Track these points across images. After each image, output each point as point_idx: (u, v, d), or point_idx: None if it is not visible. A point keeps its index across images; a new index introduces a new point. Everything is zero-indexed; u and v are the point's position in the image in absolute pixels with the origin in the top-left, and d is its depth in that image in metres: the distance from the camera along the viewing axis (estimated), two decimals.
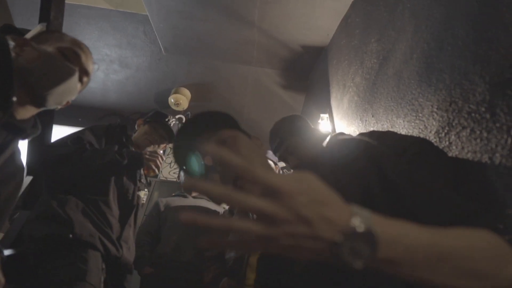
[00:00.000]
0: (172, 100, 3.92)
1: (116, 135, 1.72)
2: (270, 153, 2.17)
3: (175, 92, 3.95)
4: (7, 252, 1.26)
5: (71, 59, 1.01)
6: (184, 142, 0.80)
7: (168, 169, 3.58)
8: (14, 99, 0.82)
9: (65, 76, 0.97)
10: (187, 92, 4.01)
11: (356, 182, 0.64)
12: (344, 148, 0.75)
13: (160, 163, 1.64)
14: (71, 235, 1.30)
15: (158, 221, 2.41)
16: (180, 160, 0.83)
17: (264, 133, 4.83)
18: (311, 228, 0.35)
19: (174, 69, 4.00)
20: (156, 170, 1.63)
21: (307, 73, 3.81)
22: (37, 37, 1.02)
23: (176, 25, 3.30)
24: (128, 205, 1.63)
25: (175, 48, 3.68)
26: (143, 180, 1.82)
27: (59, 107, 1.06)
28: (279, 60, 3.66)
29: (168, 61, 3.90)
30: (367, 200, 0.61)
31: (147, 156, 1.60)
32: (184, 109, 4.06)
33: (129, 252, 1.57)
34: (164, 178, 3.55)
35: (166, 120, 1.94)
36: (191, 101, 4.13)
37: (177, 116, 4.19)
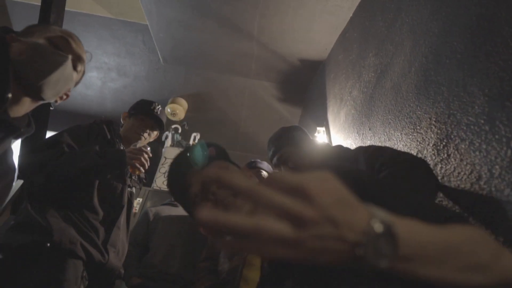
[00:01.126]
0: (169, 110, 3.91)
1: (101, 132, 1.61)
2: (265, 165, 2.16)
3: (172, 102, 3.94)
4: None
5: (62, 47, 0.99)
6: (178, 173, 0.84)
7: (162, 179, 3.54)
8: (9, 95, 0.80)
9: (57, 63, 0.96)
10: (184, 102, 4.01)
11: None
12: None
13: (146, 159, 1.49)
14: (48, 244, 1.24)
15: (147, 231, 2.36)
16: (175, 192, 0.87)
17: (260, 145, 4.85)
18: (337, 229, 0.33)
19: (172, 79, 4.01)
20: (142, 169, 1.48)
21: (304, 86, 3.84)
22: (24, 32, 1.00)
23: (175, 35, 3.32)
24: (116, 206, 1.54)
25: (174, 58, 3.70)
26: (134, 177, 1.71)
27: (58, 100, 1.03)
28: (277, 73, 3.69)
29: (166, 71, 3.91)
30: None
31: (130, 155, 1.45)
32: (181, 119, 4.05)
33: (117, 257, 1.49)
34: (157, 188, 3.50)
35: (152, 108, 1.79)
36: (187, 111, 4.12)
37: (173, 126, 4.18)
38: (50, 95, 0.98)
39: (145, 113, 1.78)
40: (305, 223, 0.32)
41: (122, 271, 1.53)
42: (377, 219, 0.35)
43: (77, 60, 1.05)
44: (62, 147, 1.41)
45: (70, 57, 0.99)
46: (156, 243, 2.25)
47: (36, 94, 0.95)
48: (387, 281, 0.53)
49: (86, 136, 1.56)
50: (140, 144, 1.71)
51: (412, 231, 0.39)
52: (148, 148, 1.53)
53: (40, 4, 1.97)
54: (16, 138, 0.93)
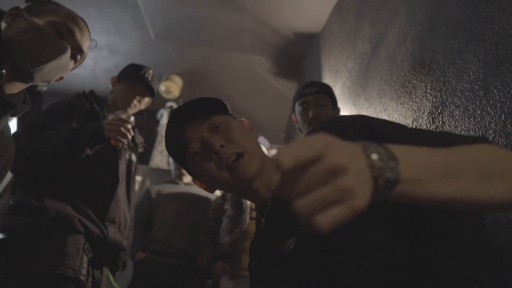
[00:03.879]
0: (163, 88, 3.87)
1: (83, 105, 1.52)
2: (261, 139, 2.17)
3: (166, 80, 3.90)
4: None
5: (64, 35, 0.96)
6: (176, 128, 0.80)
7: (159, 157, 3.55)
8: (3, 72, 0.79)
9: (54, 53, 0.93)
10: (178, 80, 3.96)
11: None
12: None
13: (127, 129, 1.37)
14: (47, 222, 1.25)
15: (150, 209, 2.40)
16: (172, 147, 0.82)
17: (257, 120, 4.84)
18: (347, 172, 0.34)
19: (165, 56, 3.94)
20: (123, 140, 1.37)
21: (299, 60, 3.80)
22: (31, 8, 0.96)
23: (166, 10, 3.24)
24: (110, 181, 1.48)
25: (165, 34, 3.62)
26: (128, 144, 1.62)
27: (50, 82, 1.02)
28: (271, 47, 3.64)
29: (158, 47, 3.84)
30: None
31: (108, 126, 1.34)
32: (176, 97, 4.02)
33: (118, 231, 1.47)
34: (155, 166, 3.52)
35: (142, 72, 1.67)
36: (182, 88, 4.08)
37: (168, 104, 4.15)
38: (39, 81, 0.96)
39: (134, 77, 1.66)
40: (337, 172, 0.34)
41: (125, 244, 1.53)
42: (372, 149, 0.38)
43: (77, 50, 1.02)
44: (36, 131, 1.34)
45: (69, 48, 0.96)
46: (159, 219, 2.30)
47: (25, 78, 0.92)
48: (393, 247, 0.56)
49: (67, 112, 1.48)
50: (130, 111, 1.64)
51: (413, 150, 0.41)
52: (132, 118, 1.43)
53: None
54: (13, 115, 0.92)
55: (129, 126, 1.40)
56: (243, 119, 0.89)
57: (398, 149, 0.39)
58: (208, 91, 4.35)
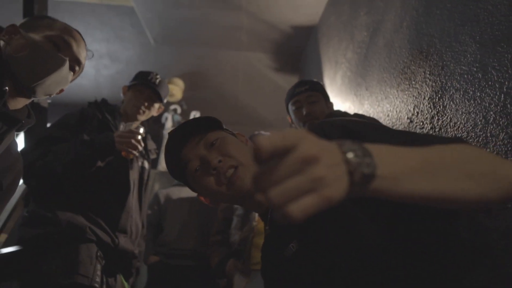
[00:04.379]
0: None
1: (95, 114, 1.53)
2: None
3: (169, 83, 3.92)
4: (5, 250, 1.27)
5: (62, 48, 0.98)
6: (174, 150, 0.83)
7: None
8: (6, 88, 0.81)
9: (54, 67, 0.95)
10: (180, 82, 3.98)
11: None
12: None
13: (137, 140, 1.38)
14: (59, 233, 1.26)
15: (159, 213, 2.42)
16: (174, 170, 0.85)
17: (260, 117, 4.83)
18: (319, 162, 0.35)
19: (165, 59, 3.97)
20: (134, 152, 1.39)
21: (298, 54, 3.79)
22: (27, 24, 0.98)
23: (162, 14, 3.26)
24: (121, 190, 1.49)
25: (164, 38, 3.64)
26: (141, 151, 1.60)
27: (52, 95, 1.04)
28: (270, 43, 3.64)
29: (158, 52, 3.86)
30: None
31: (118, 139, 1.35)
32: (179, 99, 4.05)
33: (129, 240, 1.48)
34: (163, 170, 3.55)
35: (149, 78, 1.66)
36: (184, 91, 4.10)
37: (172, 107, 4.18)
38: (41, 95, 0.98)
39: (141, 83, 1.65)
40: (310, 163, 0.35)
41: (137, 251, 1.54)
42: (348, 147, 0.38)
43: (75, 62, 1.04)
44: (47, 144, 1.35)
45: (67, 60, 0.98)
46: (169, 223, 2.32)
47: (27, 93, 0.95)
48: (390, 241, 0.57)
49: (79, 121, 1.49)
50: (140, 118, 1.65)
51: (390, 149, 0.42)
52: (141, 129, 1.43)
53: None
54: (19, 130, 0.94)
55: (139, 137, 1.41)
56: (238, 132, 0.92)
57: (374, 147, 0.40)
58: (209, 91, 4.37)
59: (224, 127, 0.89)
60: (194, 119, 0.82)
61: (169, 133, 0.82)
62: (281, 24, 3.32)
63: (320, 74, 2.95)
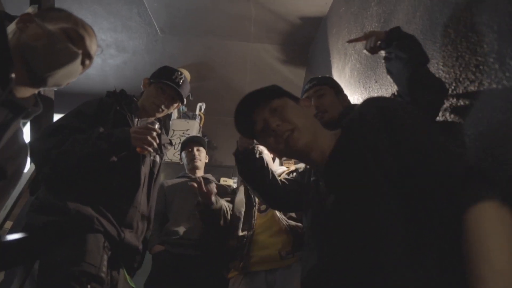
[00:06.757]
0: None
1: (113, 106, 1.51)
2: None
3: None
4: (12, 236, 1.28)
5: (75, 41, 0.99)
6: (243, 115, 0.98)
7: (172, 150, 3.57)
8: (13, 75, 0.80)
9: (68, 59, 0.96)
10: (186, 73, 3.95)
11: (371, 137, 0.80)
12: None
13: (153, 137, 1.38)
14: (68, 221, 1.27)
15: (165, 204, 2.42)
16: (243, 130, 1.02)
17: None
18: None
19: (172, 50, 3.94)
20: (149, 149, 1.39)
21: (307, 45, 3.74)
22: (42, 14, 0.99)
23: (170, 3, 3.23)
24: (131, 185, 1.49)
25: (171, 28, 3.61)
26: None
27: (60, 87, 1.04)
28: (278, 34, 3.59)
29: (165, 42, 3.84)
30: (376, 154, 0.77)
31: (135, 135, 1.36)
32: None
33: (135, 235, 1.48)
34: (169, 160, 3.55)
35: (174, 77, 1.63)
36: (191, 81, 4.08)
37: None
38: (51, 85, 0.99)
39: (165, 81, 1.63)
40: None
41: (141, 247, 1.53)
42: None
43: (87, 56, 1.04)
44: (65, 133, 1.35)
45: (80, 54, 0.99)
46: (175, 212, 2.32)
47: (38, 82, 0.95)
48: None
49: (96, 112, 1.48)
50: (157, 115, 1.65)
51: None
52: (157, 125, 1.44)
53: None
54: (25, 118, 0.94)
55: (155, 134, 1.41)
56: (303, 98, 1.12)
57: None
58: (216, 82, 4.34)
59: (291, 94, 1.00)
60: (262, 88, 0.95)
61: (242, 99, 0.96)
62: (289, 15, 3.27)
63: (328, 66, 2.91)
